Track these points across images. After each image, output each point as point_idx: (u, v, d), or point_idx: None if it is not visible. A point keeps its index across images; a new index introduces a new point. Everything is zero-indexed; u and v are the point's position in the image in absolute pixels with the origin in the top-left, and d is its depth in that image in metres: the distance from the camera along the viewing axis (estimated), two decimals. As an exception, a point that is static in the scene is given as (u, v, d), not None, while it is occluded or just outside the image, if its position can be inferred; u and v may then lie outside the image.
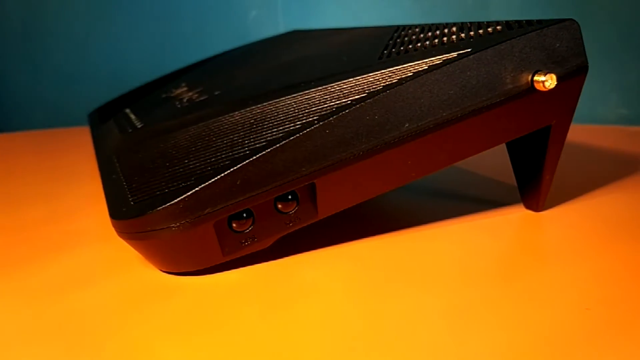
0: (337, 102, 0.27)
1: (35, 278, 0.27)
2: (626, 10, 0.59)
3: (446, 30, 0.32)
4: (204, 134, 0.30)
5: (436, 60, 0.27)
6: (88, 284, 0.27)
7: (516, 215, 0.33)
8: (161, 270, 0.27)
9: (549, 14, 0.60)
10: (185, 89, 0.42)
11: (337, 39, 0.42)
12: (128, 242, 0.27)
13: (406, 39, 0.33)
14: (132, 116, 0.40)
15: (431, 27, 0.35)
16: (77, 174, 0.46)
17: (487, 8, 0.64)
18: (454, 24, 0.33)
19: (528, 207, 0.34)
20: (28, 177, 0.47)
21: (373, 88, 0.27)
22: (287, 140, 0.25)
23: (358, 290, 0.25)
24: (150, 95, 0.47)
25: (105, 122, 0.44)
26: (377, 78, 0.28)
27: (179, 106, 0.37)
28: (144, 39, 0.73)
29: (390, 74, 0.27)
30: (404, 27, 0.37)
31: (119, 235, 0.27)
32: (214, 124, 0.30)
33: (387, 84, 0.27)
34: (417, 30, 0.35)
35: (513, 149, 0.33)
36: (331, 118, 0.26)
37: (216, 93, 0.37)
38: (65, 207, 0.38)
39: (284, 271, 0.27)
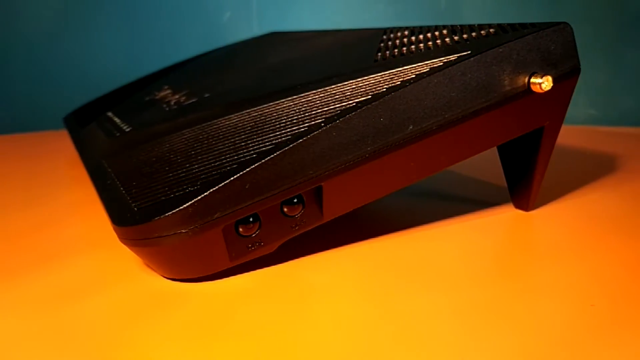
0: (341, 104, 0.27)
1: (33, 289, 0.26)
2: (595, 12, 0.61)
3: (437, 33, 0.33)
4: (201, 137, 0.29)
5: (437, 62, 0.28)
6: (89, 294, 0.26)
7: (508, 214, 0.34)
8: (165, 277, 0.27)
9: (520, 15, 0.62)
10: (169, 91, 0.41)
11: (323, 42, 0.42)
12: (132, 249, 0.26)
13: (397, 41, 0.34)
14: (117, 120, 0.39)
15: (421, 29, 0.35)
16: (56, 180, 0.45)
17: (459, 11, 0.65)
18: (444, 27, 0.34)
19: (518, 206, 0.35)
20: (5, 184, 0.45)
21: (376, 90, 0.27)
22: (295, 143, 0.25)
23: (368, 290, 0.25)
24: (131, 98, 0.46)
25: (85, 125, 0.43)
26: (379, 80, 0.28)
27: (167, 109, 0.37)
28: (115, 40, 0.72)
29: (391, 76, 0.28)
30: (391, 30, 0.38)
31: (123, 242, 0.26)
32: (211, 127, 0.30)
33: (390, 86, 0.27)
34: (406, 32, 0.36)
35: (503, 150, 0.34)
36: (338, 120, 0.26)
37: (206, 96, 0.36)
38: (51, 215, 0.37)
39: (290, 275, 0.27)
